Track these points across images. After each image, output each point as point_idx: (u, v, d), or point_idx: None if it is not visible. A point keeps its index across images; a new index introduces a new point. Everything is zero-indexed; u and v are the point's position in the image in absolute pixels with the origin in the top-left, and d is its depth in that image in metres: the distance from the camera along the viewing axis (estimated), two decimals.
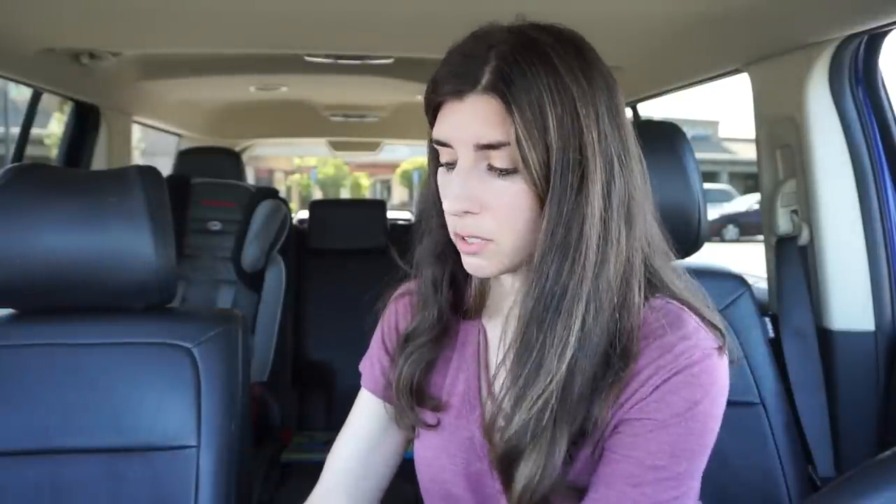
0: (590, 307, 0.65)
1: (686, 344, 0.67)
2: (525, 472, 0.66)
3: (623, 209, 0.67)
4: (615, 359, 0.67)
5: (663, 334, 0.68)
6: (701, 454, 0.67)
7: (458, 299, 0.82)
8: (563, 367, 0.65)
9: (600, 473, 0.68)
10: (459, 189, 0.67)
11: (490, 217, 0.67)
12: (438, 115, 0.69)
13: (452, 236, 0.72)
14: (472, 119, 0.65)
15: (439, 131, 0.69)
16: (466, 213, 0.67)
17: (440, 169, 0.72)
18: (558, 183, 0.64)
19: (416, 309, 0.82)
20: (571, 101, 0.64)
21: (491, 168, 0.66)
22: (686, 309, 0.70)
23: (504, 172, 0.66)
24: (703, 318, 0.70)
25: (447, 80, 0.67)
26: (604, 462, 0.68)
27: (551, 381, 0.65)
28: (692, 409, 0.65)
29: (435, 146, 0.71)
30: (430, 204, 0.77)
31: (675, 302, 0.71)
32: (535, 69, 0.63)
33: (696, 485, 0.68)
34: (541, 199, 0.66)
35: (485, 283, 0.81)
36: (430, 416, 0.80)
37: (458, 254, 0.74)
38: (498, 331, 0.79)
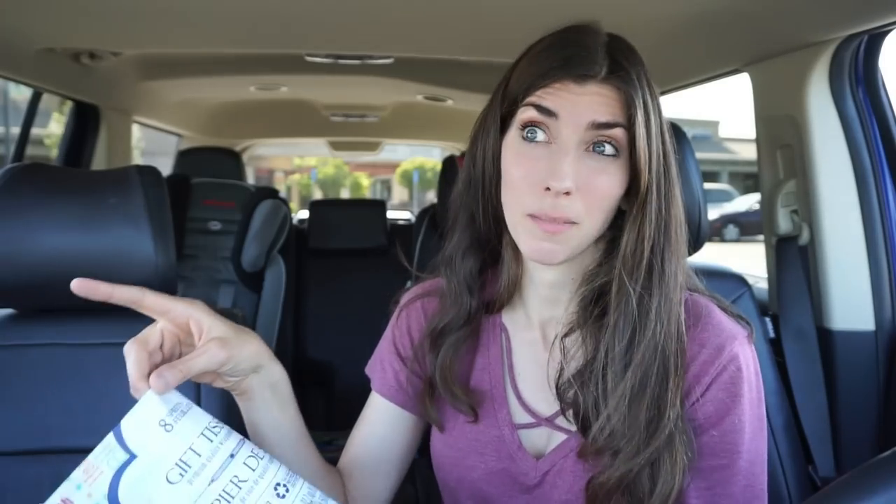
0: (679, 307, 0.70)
1: (722, 338, 0.70)
2: (650, 486, 0.67)
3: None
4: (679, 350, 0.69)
5: (696, 327, 0.71)
6: (757, 439, 0.70)
7: (483, 296, 0.82)
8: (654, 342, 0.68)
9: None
10: (568, 166, 0.66)
11: (580, 200, 0.67)
12: (545, 90, 0.69)
13: (526, 218, 0.69)
14: (592, 101, 0.68)
15: (551, 101, 0.68)
16: (567, 193, 0.67)
17: (520, 143, 0.70)
18: (662, 175, 0.69)
19: (446, 305, 0.81)
20: (658, 106, 0.70)
21: (589, 151, 0.68)
22: (711, 302, 0.74)
23: (610, 156, 0.68)
24: (723, 308, 0.74)
25: (567, 64, 0.68)
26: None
27: (676, 386, 0.68)
28: (740, 401, 0.69)
29: (524, 120, 0.69)
30: (473, 189, 0.76)
31: (696, 294, 0.75)
32: (639, 70, 0.70)
33: (759, 477, 0.70)
34: (628, 191, 0.69)
35: (516, 278, 0.80)
36: (465, 410, 0.80)
37: (489, 245, 0.76)
38: (523, 332, 0.80)
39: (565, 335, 0.73)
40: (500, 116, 0.73)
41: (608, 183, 0.68)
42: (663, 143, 0.70)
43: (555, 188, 0.66)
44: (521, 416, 0.78)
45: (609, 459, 0.68)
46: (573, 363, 0.73)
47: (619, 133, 0.67)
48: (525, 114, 0.69)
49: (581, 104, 0.67)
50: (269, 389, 0.72)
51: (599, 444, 0.68)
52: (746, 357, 0.71)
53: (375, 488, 0.85)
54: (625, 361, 0.68)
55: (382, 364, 0.87)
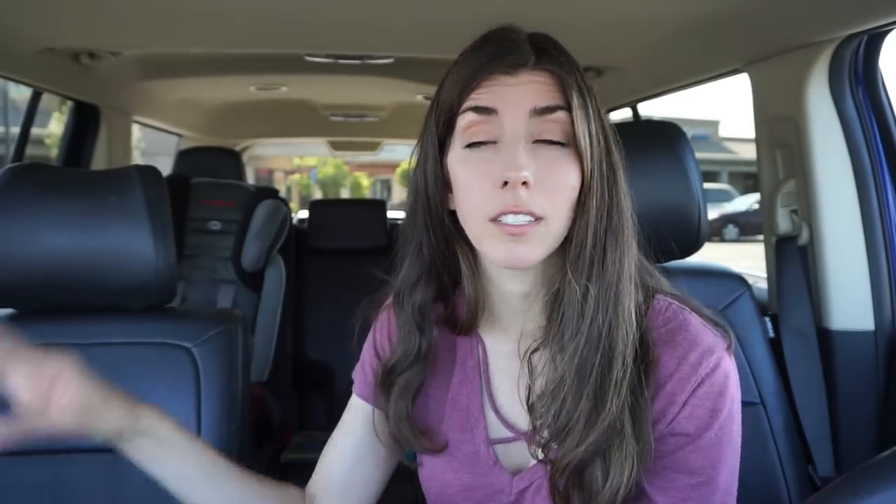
0: (628, 301, 0.67)
1: (699, 351, 0.68)
2: (602, 480, 0.65)
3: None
4: (639, 355, 0.67)
5: (673, 339, 0.68)
6: (734, 455, 0.69)
7: (450, 315, 0.80)
8: (624, 358, 0.65)
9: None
10: (523, 157, 0.65)
11: (541, 194, 0.65)
12: (479, 90, 0.68)
13: (489, 224, 0.66)
14: (528, 89, 0.67)
15: (487, 99, 0.67)
16: (524, 184, 0.64)
17: (464, 152, 0.68)
18: (604, 162, 0.67)
19: (400, 334, 0.78)
20: (593, 93, 0.68)
21: (538, 142, 0.66)
22: (686, 308, 0.71)
23: (556, 144, 0.66)
24: (703, 316, 0.71)
25: (494, 59, 0.67)
26: (649, 494, 0.68)
27: (622, 376, 0.65)
28: (718, 416, 0.67)
29: (464, 126, 0.68)
30: (421, 214, 0.73)
31: (675, 302, 0.71)
32: (569, 58, 0.68)
33: (734, 486, 0.69)
34: (583, 180, 0.66)
35: (479, 295, 0.77)
36: (433, 441, 0.78)
37: (447, 269, 0.74)
38: (500, 344, 0.78)
39: (534, 351, 0.71)
40: (437, 139, 0.71)
41: (564, 172, 0.66)
42: (603, 128, 0.68)
43: (512, 179, 0.64)
44: (499, 431, 0.76)
45: (556, 451, 0.67)
46: (541, 379, 0.70)
47: (562, 116, 0.66)
48: (464, 121, 0.68)
49: (518, 94, 0.67)
50: (149, 448, 0.75)
51: (545, 436, 0.67)
52: (726, 370, 0.68)
53: (356, 490, 0.84)
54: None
55: (363, 367, 0.86)
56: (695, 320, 0.70)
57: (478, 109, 0.67)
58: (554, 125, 0.66)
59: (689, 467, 0.67)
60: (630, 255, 0.68)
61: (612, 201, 0.67)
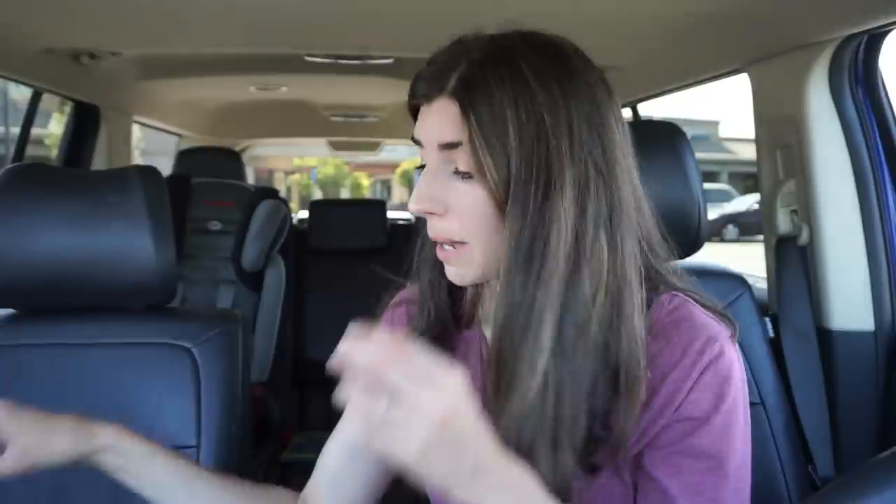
0: (565, 320, 0.63)
1: (703, 339, 0.68)
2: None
3: (603, 220, 0.65)
4: (621, 372, 0.65)
5: (677, 331, 0.68)
6: (744, 444, 0.68)
7: (456, 310, 0.81)
8: (537, 381, 0.62)
9: (658, 494, 0.67)
10: (421, 189, 0.68)
11: (456, 221, 0.68)
12: (418, 117, 0.71)
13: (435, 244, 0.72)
14: (435, 120, 0.67)
15: (416, 132, 0.70)
16: (430, 213, 0.68)
17: (417, 171, 0.73)
18: (520, 191, 0.63)
19: (413, 318, 0.81)
20: (538, 108, 0.63)
21: (455, 172, 0.67)
22: (690, 301, 0.71)
23: (466, 176, 0.66)
24: (707, 308, 0.71)
25: (420, 84, 0.69)
26: (658, 480, 0.67)
27: (526, 393, 0.62)
28: (724, 400, 0.67)
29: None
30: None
31: (679, 294, 0.72)
32: (500, 75, 0.63)
33: (747, 480, 0.69)
34: (503, 208, 0.65)
35: (478, 291, 0.79)
36: None
37: None
38: None
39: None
40: None
41: (471, 203, 0.66)
42: (537, 145, 0.63)
43: (412, 211, 0.69)
44: None
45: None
46: None
47: (465, 155, 0.65)
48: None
49: (429, 125, 0.68)
50: (116, 462, 0.77)
51: None
52: (730, 357, 0.68)
53: (354, 489, 0.83)
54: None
55: None
56: (698, 311, 0.70)
57: (413, 140, 0.71)
58: (462, 156, 0.66)
59: (698, 451, 0.67)
60: (568, 276, 0.64)
61: (538, 227, 0.63)
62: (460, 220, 0.67)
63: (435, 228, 0.69)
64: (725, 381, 0.67)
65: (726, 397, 0.67)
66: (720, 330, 0.69)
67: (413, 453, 0.49)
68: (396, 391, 0.49)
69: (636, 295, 0.66)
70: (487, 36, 0.68)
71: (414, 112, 0.72)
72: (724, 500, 0.67)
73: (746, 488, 0.69)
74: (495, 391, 0.66)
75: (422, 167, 0.71)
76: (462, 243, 0.68)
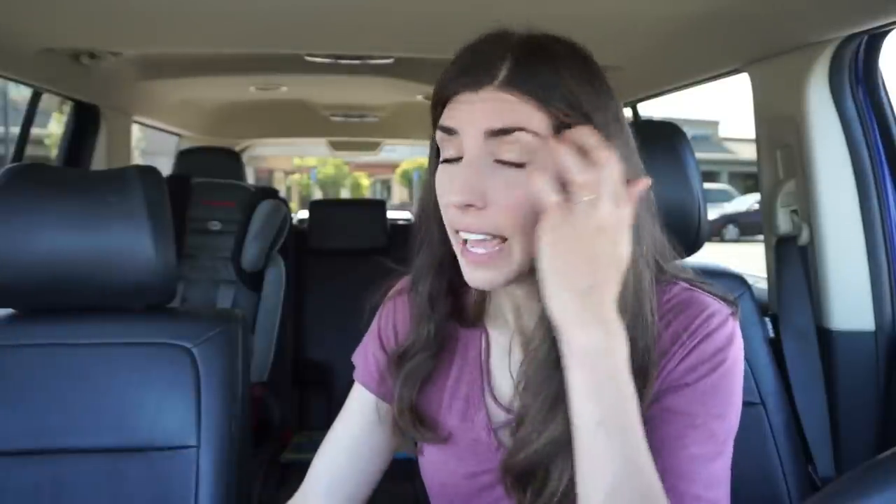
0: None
1: (704, 315, 0.69)
2: (554, 482, 0.65)
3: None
4: (634, 367, 0.65)
5: (680, 312, 0.70)
6: (732, 413, 0.69)
7: (458, 307, 0.81)
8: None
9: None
10: (465, 179, 0.65)
11: (496, 213, 0.65)
12: (448, 107, 0.69)
13: (455, 245, 0.70)
14: (486, 108, 0.65)
15: (449, 118, 0.68)
16: (469, 206, 0.65)
17: (441, 165, 0.70)
18: None
19: (412, 321, 0.80)
20: (580, 105, 0.65)
21: (498, 162, 0.65)
22: (695, 288, 0.73)
23: (516, 165, 0.65)
24: (710, 293, 0.72)
25: (463, 74, 0.67)
26: (648, 431, 0.66)
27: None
28: (718, 369, 0.67)
29: (438, 141, 0.70)
30: (430, 213, 0.74)
31: (684, 283, 0.73)
32: (547, 70, 0.65)
33: (730, 450, 0.69)
34: None
35: (485, 291, 0.79)
36: (435, 430, 0.79)
37: (455, 265, 0.72)
38: (503, 338, 0.79)
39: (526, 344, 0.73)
40: (434, 142, 0.72)
41: (518, 192, 0.64)
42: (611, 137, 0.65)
43: (452, 202, 0.66)
44: (501, 417, 0.77)
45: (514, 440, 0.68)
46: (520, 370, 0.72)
47: (521, 137, 0.64)
48: (438, 135, 0.69)
49: (476, 113, 0.66)
50: None
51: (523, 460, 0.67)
52: (730, 330, 0.69)
53: (350, 487, 0.84)
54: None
55: (366, 354, 0.87)
56: (701, 294, 0.72)
57: (443, 129, 0.68)
58: (513, 146, 0.65)
59: (685, 410, 0.67)
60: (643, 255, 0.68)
61: None
62: (504, 212, 0.65)
63: (471, 223, 0.66)
64: (722, 350, 0.68)
65: (722, 364, 0.68)
66: (722, 307, 0.71)
67: (560, 241, 0.59)
68: (591, 187, 0.58)
69: (651, 294, 0.68)
70: (521, 34, 0.69)
71: (441, 104, 0.70)
72: (703, 459, 0.66)
73: (729, 455, 0.69)
74: (537, 393, 0.67)
75: (445, 161, 0.69)
76: (500, 238, 0.66)
